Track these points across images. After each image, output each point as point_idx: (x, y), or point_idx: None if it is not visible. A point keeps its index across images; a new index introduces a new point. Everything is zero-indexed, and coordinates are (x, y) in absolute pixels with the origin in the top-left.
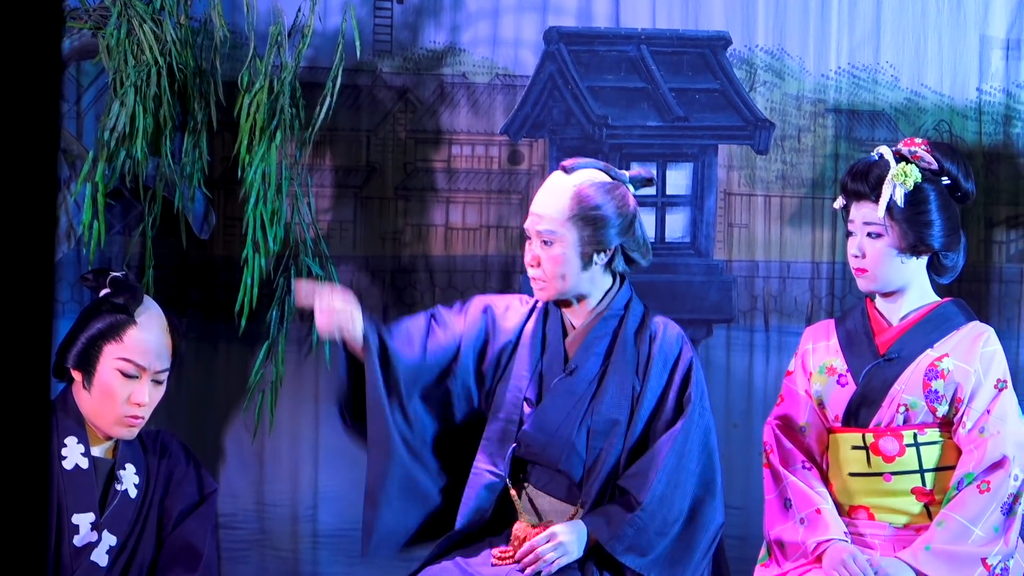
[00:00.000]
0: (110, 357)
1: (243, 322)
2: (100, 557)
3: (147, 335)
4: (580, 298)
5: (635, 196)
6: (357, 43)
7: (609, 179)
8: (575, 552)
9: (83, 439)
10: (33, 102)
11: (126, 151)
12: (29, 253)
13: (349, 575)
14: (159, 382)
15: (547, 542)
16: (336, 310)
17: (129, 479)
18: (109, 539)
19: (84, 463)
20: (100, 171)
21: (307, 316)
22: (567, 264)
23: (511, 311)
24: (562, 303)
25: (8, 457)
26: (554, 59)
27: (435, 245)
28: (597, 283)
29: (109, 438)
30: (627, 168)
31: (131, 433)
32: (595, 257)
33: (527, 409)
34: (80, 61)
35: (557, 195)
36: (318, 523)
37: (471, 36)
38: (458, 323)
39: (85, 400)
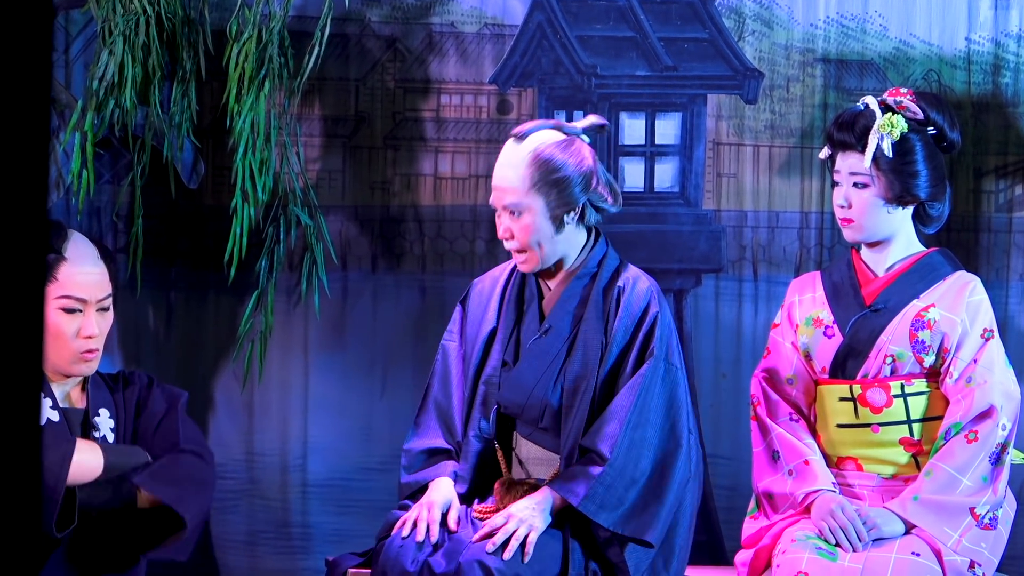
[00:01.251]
0: (50, 299)
1: (232, 272)
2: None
3: (80, 267)
4: (560, 263)
5: (623, 148)
6: None
7: (563, 136)
8: (540, 523)
9: (48, 392)
10: (24, 51)
11: (115, 100)
12: (21, 203)
13: (338, 525)
14: (105, 309)
15: (504, 522)
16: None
17: (105, 424)
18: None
19: (55, 416)
20: (89, 120)
21: (296, 265)
22: (540, 231)
23: (488, 296)
24: (545, 272)
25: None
26: (543, 8)
27: (424, 194)
28: (572, 242)
29: (70, 378)
30: (616, 119)
31: (90, 368)
32: (565, 218)
33: (503, 371)
34: (69, 10)
35: (515, 165)
36: (307, 473)
37: None
38: (457, 366)
39: None
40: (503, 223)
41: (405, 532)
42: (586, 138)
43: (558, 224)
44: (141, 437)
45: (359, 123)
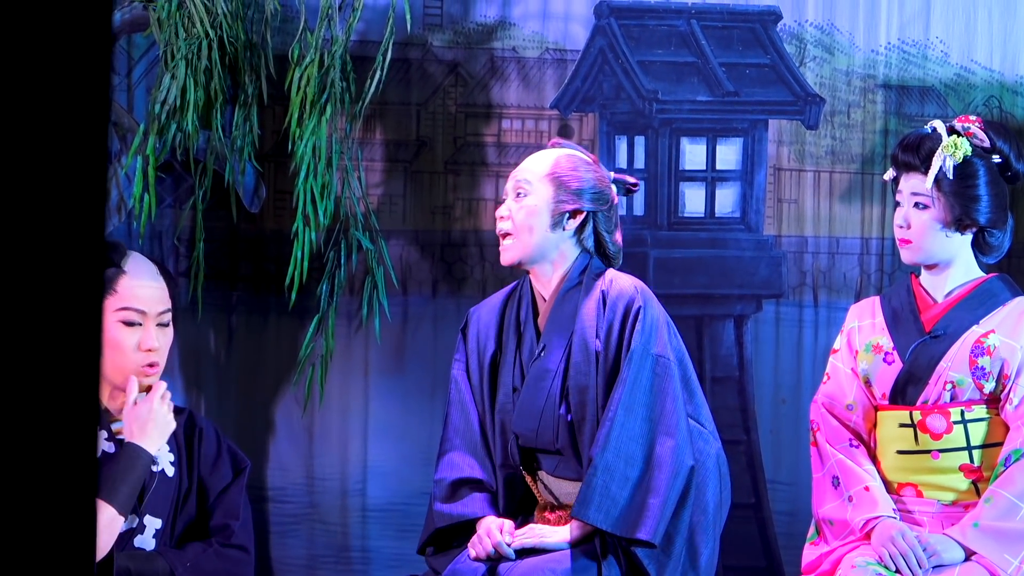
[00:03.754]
0: (109, 311)
1: (293, 296)
2: (146, 542)
3: (139, 280)
4: (543, 265)
5: (684, 173)
6: (408, 17)
7: (593, 163)
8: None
9: (103, 424)
10: (84, 75)
11: (177, 124)
12: (80, 227)
13: (397, 549)
14: (164, 324)
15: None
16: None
17: (164, 458)
18: (153, 523)
19: (109, 447)
20: (151, 144)
21: (356, 289)
22: (537, 216)
23: (488, 323)
24: (530, 271)
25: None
26: (604, 33)
27: (485, 219)
28: (563, 252)
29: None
30: (677, 144)
31: (150, 383)
32: (565, 221)
33: (514, 397)
34: (131, 34)
35: (540, 157)
36: (367, 497)
37: (522, 10)
38: (469, 394)
39: None
40: (505, 205)
41: (474, 554)
42: (614, 187)
43: (556, 220)
44: (208, 493)
45: (420, 148)
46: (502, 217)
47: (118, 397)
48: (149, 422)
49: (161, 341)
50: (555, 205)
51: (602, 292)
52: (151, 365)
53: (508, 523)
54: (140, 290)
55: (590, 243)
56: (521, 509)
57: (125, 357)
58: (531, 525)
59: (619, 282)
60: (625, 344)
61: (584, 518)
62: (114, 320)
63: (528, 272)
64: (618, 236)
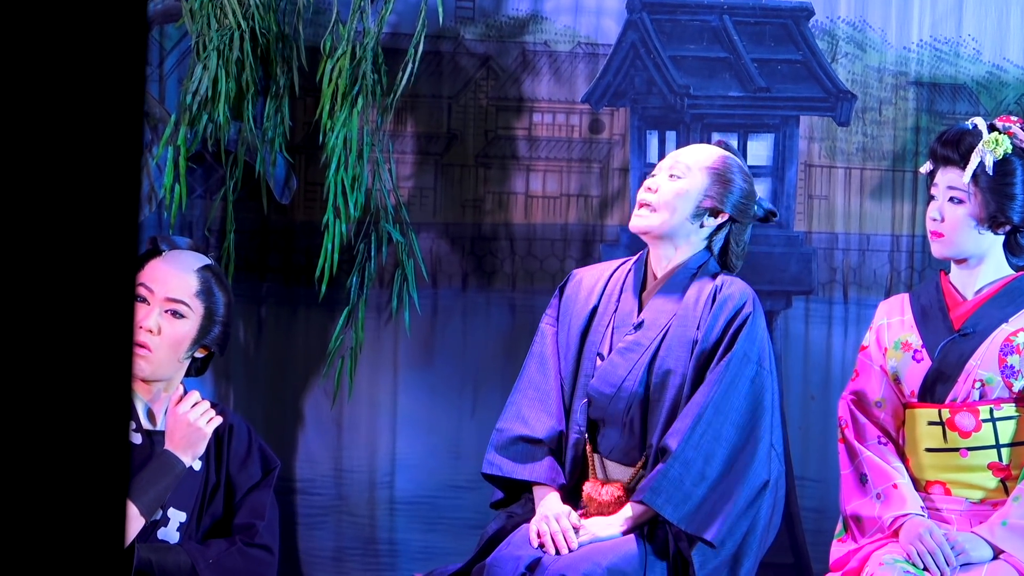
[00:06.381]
0: None
1: (323, 288)
2: (170, 535)
3: (166, 265)
4: (667, 245)
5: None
6: (440, 9)
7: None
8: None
9: (132, 416)
10: (118, 66)
11: (208, 115)
12: (112, 217)
13: (425, 542)
14: (174, 314)
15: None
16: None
17: None
18: (178, 516)
19: (136, 439)
20: (182, 135)
21: (386, 282)
22: (684, 199)
23: (592, 285)
24: (651, 247)
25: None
26: (636, 28)
27: (515, 213)
28: (691, 241)
29: (155, 394)
30: (708, 140)
31: (138, 367)
32: (705, 216)
33: (599, 363)
34: (163, 24)
35: (705, 148)
36: (395, 490)
37: (553, 4)
38: (555, 350)
39: None
40: (656, 179)
41: (535, 543)
42: (755, 207)
43: (698, 212)
44: (237, 491)
45: (451, 140)
46: (649, 188)
47: (145, 392)
48: (191, 434)
49: (164, 329)
50: (704, 197)
51: (714, 287)
52: (140, 345)
53: (573, 514)
54: (158, 272)
55: (718, 246)
56: (579, 477)
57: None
58: (584, 522)
59: (735, 284)
60: (725, 343)
61: (652, 504)
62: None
63: (648, 247)
64: (745, 252)
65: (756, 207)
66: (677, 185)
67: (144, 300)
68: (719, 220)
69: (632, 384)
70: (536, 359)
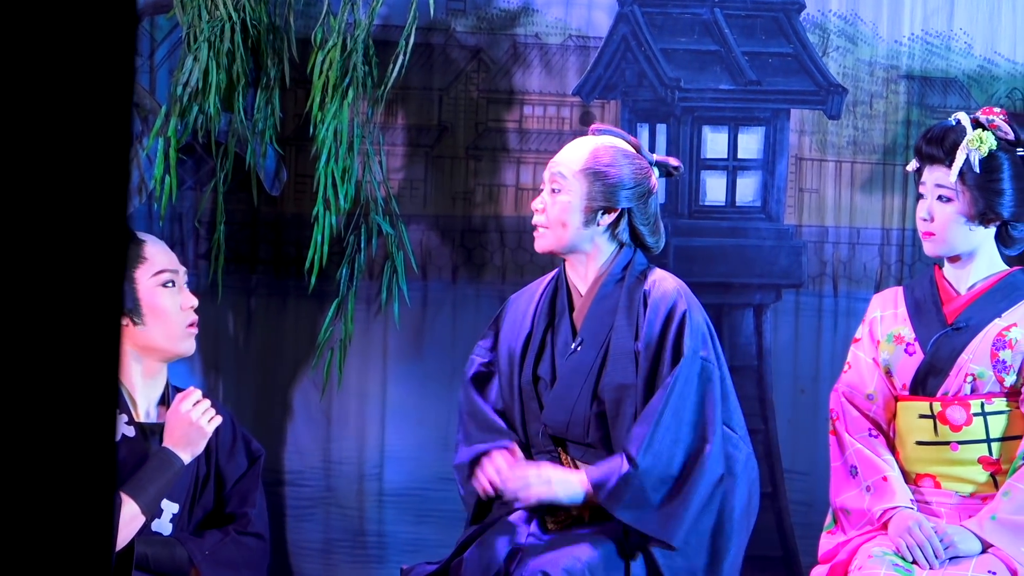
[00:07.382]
0: (146, 278)
1: (313, 279)
2: (163, 527)
3: (160, 247)
4: (578, 255)
5: (705, 162)
6: (431, 2)
7: (633, 151)
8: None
9: (124, 408)
10: (108, 56)
11: (198, 106)
12: (102, 208)
13: (414, 534)
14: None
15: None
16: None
17: None
18: (171, 507)
19: (130, 431)
20: (172, 126)
21: (376, 274)
22: (571, 213)
23: (526, 307)
24: (566, 260)
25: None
26: (627, 21)
27: (506, 205)
28: (598, 245)
29: (152, 386)
30: (699, 133)
31: (192, 346)
32: (599, 216)
33: (543, 389)
34: (154, 15)
35: (576, 148)
36: (384, 482)
37: None
38: (484, 373)
39: (141, 337)
40: (540, 197)
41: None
42: (655, 170)
43: (589, 217)
44: (225, 480)
45: (442, 133)
46: (537, 210)
47: (157, 372)
48: (192, 432)
49: (191, 303)
50: (588, 202)
51: (644, 292)
52: (192, 324)
53: (510, 457)
54: (166, 253)
55: (625, 237)
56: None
57: (170, 321)
58: (540, 466)
59: (663, 284)
60: (669, 348)
61: (613, 512)
62: (154, 286)
63: (564, 261)
64: (658, 225)
65: (655, 173)
66: (560, 200)
67: (173, 284)
68: (613, 215)
69: (584, 407)
70: (468, 394)
